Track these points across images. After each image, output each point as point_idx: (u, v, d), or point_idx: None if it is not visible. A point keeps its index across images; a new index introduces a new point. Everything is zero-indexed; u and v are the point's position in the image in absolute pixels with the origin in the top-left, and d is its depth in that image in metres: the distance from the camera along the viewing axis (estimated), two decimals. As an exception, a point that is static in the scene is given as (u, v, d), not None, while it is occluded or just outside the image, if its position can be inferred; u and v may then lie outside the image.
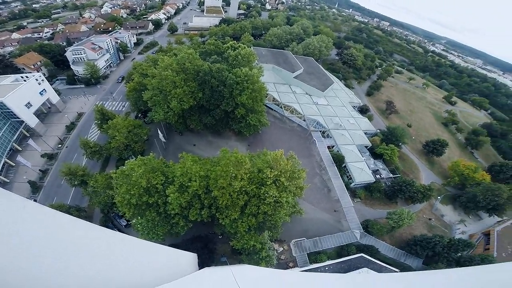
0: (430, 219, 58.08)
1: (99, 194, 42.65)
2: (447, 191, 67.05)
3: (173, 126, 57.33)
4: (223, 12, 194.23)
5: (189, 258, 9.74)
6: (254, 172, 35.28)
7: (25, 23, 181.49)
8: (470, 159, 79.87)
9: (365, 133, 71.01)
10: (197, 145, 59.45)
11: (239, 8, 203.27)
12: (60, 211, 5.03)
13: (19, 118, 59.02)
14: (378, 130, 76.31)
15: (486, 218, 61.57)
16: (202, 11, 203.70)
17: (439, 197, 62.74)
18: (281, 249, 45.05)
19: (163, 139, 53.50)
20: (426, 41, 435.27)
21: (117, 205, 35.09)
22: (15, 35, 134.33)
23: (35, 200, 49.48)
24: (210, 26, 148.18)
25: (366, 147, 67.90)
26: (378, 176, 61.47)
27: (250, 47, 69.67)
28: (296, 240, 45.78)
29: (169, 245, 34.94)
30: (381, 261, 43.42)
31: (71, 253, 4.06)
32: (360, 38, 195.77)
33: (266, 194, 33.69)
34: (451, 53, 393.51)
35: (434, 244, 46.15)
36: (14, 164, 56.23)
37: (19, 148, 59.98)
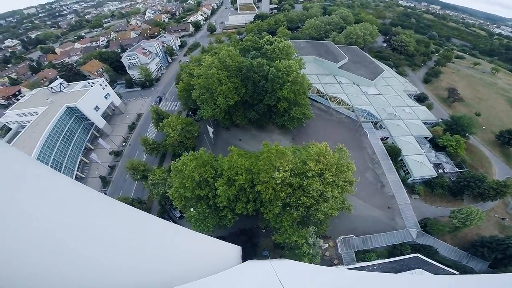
0: (503, 218, 50.28)
1: (157, 187, 46.00)
2: None
3: (220, 122, 59.64)
4: (255, 8, 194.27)
5: (235, 250, 9.82)
6: (298, 163, 34.65)
7: (83, 33, 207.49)
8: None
9: (425, 123, 64.03)
10: (243, 140, 60.74)
11: (270, 3, 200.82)
12: (125, 203, 5.24)
13: (90, 120, 66.85)
14: (440, 120, 68.00)
15: None
16: (236, 9, 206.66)
17: (516, 195, 53.48)
18: (326, 245, 43.63)
19: (212, 135, 55.87)
20: (488, 23, 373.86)
21: (170, 197, 37.62)
22: (77, 45, 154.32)
23: (105, 193, 55.69)
24: (245, 23, 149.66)
25: (426, 138, 61.28)
26: (440, 170, 55.08)
27: (287, 40, 68.13)
28: (343, 237, 43.80)
29: (216, 237, 36.16)
30: (439, 262, 39.52)
31: (132, 241, 4.25)
32: (409, 24, 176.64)
33: (309, 187, 32.86)
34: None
35: (507, 246, 39.97)
36: (88, 161, 64.44)
37: (92, 147, 68.30)
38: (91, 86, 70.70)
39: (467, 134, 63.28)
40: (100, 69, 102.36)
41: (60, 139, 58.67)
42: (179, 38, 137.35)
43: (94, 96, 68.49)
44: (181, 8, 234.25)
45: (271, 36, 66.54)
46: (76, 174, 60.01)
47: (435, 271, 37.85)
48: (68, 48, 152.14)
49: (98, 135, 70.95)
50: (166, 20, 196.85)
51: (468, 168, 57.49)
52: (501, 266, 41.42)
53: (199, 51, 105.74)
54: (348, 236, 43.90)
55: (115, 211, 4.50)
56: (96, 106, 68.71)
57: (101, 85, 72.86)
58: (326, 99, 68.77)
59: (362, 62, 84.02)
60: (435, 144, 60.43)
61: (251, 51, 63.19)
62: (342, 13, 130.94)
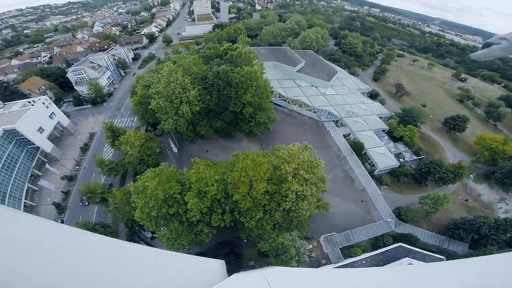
0: (466, 200, 54.44)
1: (121, 210, 42.07)
2: (477, 168, 63.45)
3: (184, 135, 56.41)
4: (214, 18, 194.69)
5: (217, 265, 8.91)
6: (271, 170, 34.23)
7: (21, 49, 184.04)
8: (494, 132, 76.16)
9: (380, 117, 69.03)
10: (210, 151, 58.25)
11: (229, 13, 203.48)
12: (86, 229, 4.14)
13: (34, 144, 58.91)
14: (393, 113, 74.11)
15: (529, 194, 56.48)
16: (194, 20, 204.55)
17: (471, 176, 59.05)
18: (311, 246, 43.06)
19: (175, 149, 52.67)
20: (420, 23, 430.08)
21: (137, 220, 34.56)
22: (14, 62, 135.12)
23: (62, 221, 50.29)
24: (204, 33, 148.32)
25: (383, 131, 65.82)
26: (401, 159, 59.03)
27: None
28: (325, 235, 43.73)
29: (195, 254, 34.13)
30: (422, 249, 40.37)
31: (96, 271, 3.72)
32: (355, 27, 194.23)
33: (287, 191, 32.63)
34: (448, 33, 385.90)
35: (479, 226, 42.38)
36: (37, 189, 57.18)
37: (40, 174, 60.35)
38: (32, 105, 61.84)
39: (418, 124, 69.56)
40: (43, 87, 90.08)
41: (-1, 166, 50.97)
42: (132, 50, 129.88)
43: (37, 116, 60.29)
44: (133, 21, 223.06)
45: (231, 44, 66.30)
46: (25, 202, 53.17)
47: (422, 258, 37.78)
48: (3, 65, 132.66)
49: (46, 160, 62.50)
50: (117, 33, 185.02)
51: (425, 154, 62.25)
52: (480, 246, 43.59)
53: (155, 63, 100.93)
54: (330, 234, 43.94)
55: (67, 238, 3.87)
56: (40, 128, 60.47)
57: (44, 103, 64.17)
58: (289, 102, 70.06)
59: (318, 65, 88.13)
60: (392, 136, 65.04)
61: (214, 59, 62.20)
62: (295, 18, 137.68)
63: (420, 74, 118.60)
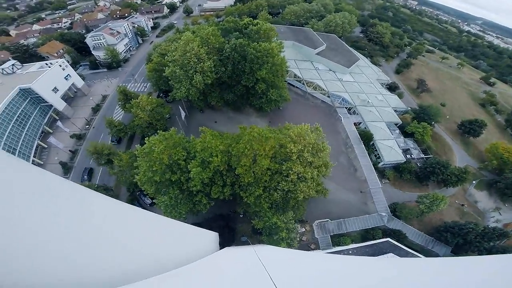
0: (462, 205, 53.46)
1: (124, 173, 43.08)
2: (482, 175, 61.38)
3: (195, 104, 56.89)
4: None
5: (211, 237, 9.29)
6: (276, 147, 34.00)
7: (43, 15, 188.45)
8: (510, 142, 72.23)
9: (395, 111, 66.51)
10: (218, 122, 58.77)
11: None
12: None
13: (48, 102, 61.57)
14: (409, 108, 71.39)
15: (525, 208, 55.48)
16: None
17: (473, 182, 57.51)
18: (303, 229, 43.62)
19: (183, 116, 53.19)
20: (459, 21, 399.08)
21: (138, 183, 34.99)
22: (36, 27, 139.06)
23: None
24: (225, 6, 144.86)
25: (396, 124, 63.76)
26: (408, 156, 57.47)
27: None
28: (319, 221, 44.06)
29: (191, 224, 34.40)
30: (407, 247, 40.61)
31: (92, 229, 3.79)
32: (386, 17, 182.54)
33: (289, 171, 32.45)
34: (489, 34, 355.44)
35: (467, 231, 42.01)
36: (46, 146, 59.39)
37: (50, 131, 63.06)
38: (49, 67, 64.54)
39: (433, 122, 66.92)
40: (61, 50, 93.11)
41: (12, 122, 53.45)
42: (152, 19, 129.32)
43: (53, 77, 62.92)
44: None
45: (252, 19, 64.48)
46: (33, 160, 55.30)
47: (405, 255, 38.31)
48: (25, 30, 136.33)
49: (57, 118, 65.11)
50: (139, 1, 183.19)
51: (433, 154, 60.58)
52: (461, 251, 43.61)
53: (173, 32, 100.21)
54: (324, 220, 44.23)
55: (67, 195, 3.90)
56: (55, 88, 63.19)
57: (60, 65, 66.76)
58: (303, 84, 68.55)
59: (339, 50, 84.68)
60: (404, 131, 62.98)
61: (232, 32, 60.85)
62: (322, 1, 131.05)
63: (446, 73, 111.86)
